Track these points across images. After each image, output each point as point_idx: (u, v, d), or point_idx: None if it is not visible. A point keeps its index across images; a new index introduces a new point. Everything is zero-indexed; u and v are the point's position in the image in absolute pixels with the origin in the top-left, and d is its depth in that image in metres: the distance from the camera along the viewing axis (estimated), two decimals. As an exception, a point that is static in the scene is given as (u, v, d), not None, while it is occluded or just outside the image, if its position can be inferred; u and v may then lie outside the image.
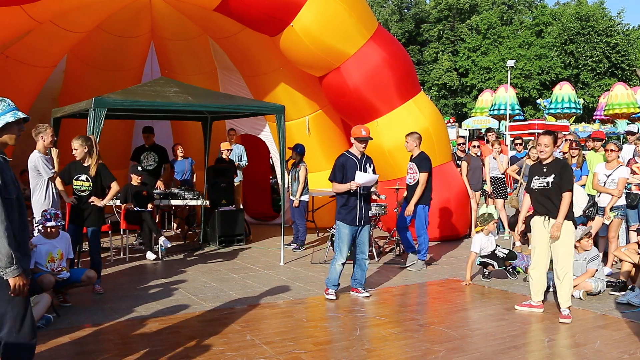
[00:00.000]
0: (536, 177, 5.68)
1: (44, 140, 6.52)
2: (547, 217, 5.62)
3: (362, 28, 9.32)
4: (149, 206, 8.50)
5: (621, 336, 4.98)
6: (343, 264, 6.15)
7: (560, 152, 9.81)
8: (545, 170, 5.63)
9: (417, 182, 7.58)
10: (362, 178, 6.02)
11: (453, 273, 7.55)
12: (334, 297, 6.18)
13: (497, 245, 7.22)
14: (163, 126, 11.63)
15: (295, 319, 5.52)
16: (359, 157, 6.22)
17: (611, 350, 4.63)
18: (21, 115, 3.31)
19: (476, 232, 7.13)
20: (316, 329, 5.20)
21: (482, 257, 7.09)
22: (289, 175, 9.35)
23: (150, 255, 8.28)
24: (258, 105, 8.89)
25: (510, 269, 7.16)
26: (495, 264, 7.08)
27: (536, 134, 20.27)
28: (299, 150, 9.20)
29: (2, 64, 8.92)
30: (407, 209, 7.64)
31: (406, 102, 9.71)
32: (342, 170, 6.12)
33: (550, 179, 5.55)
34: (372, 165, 6.31)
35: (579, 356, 4.52)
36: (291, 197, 9.24)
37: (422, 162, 7.58)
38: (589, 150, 9.07)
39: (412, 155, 7.78)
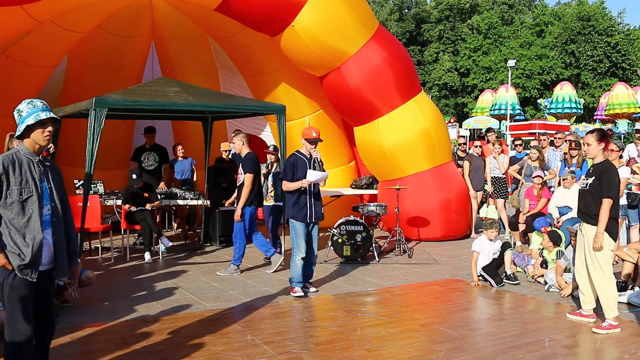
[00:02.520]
0: (584, 178, 5.30)
1: None
2: (582, 222, 5.28)
3: (363, 28, 9.32)
4: (148, 206, 8.47)
5: (621, 336, 4.98)
6: (303, 259, 6.31)
7: (562, 152, 9.81)
8: (591, 171, 5.24)
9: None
10: (313, 176, 6.25)
11: (454, 273, 7.55)
12: (301, 294, 6.28)
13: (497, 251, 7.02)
14: (164, 126, 11.63)
15: (295, 319, 5.52)
16: (308, 157, 6.44)
17: (611, 350, 4.63)
18: (43, 116, 3.35)
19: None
20: (317, 329, 5.20)
21: (482, 269, 6.96)
22: (268, 178, 8.34)
23: (147, 257, 8.27)
24: (259, 105, 8.88)
25: (512, 275, 6.94)
26: (492, 281, 6.87)
27: (537, 134, 20.27)
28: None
29: (2, 63, 8.92)
30: (235, 214, 7.31)
31: (407, 102, 9.70)
32: (293, 169, 6.34)
33: (590, 180, 5.15)
34: (320, 165, 6.52)
35: (580, 356, 4.52)
36: (275, 203, 8.21)
37: (246, 162, 7.34)
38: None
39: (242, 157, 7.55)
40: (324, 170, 6.52)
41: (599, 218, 5.05)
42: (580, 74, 44.80)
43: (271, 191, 8.18)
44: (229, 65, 11.22)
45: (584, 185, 5.22)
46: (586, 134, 5.33)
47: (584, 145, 5.32)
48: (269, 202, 8.17)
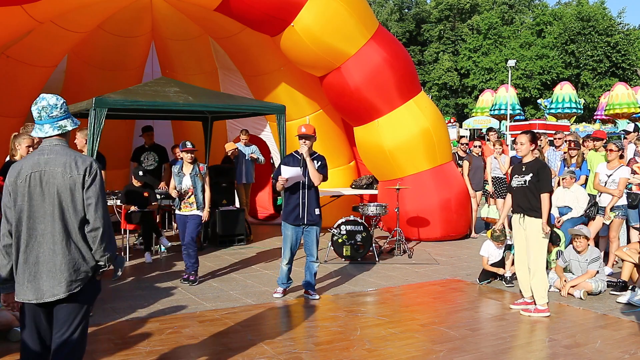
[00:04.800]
0: (516, 176, 5.78)
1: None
2: (522, 215, 5.69)
3: (363, 28, 9.31)
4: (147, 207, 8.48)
5: (622, 336, 4.98)
6: (287, 264, 6.24)
7: (562, 152, 9.81)
8: (524, 169, 5.72)
9: None
10: (287, 172, 5.97)
11: (454, 273, 7.55)
12: (280, 295, 6.27)
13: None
14: (164, 126, 11.63)
15: (295, 319, 5.53)
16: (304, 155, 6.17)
17: (612, 350, 4.63)
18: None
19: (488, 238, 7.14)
20: (317, 329, 5.20)
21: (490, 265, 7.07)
22: (178, 177, 6.92)
23: (147, 257, 8.27)
24: (259, 105, 8.89)
25: (507, 278, 6.91)
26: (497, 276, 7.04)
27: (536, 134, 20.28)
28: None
29: (3, 63, 8.92)
30: None
31: (407, 101, 9.69)
32: (279, 168, 6.21)
33: (527, 177, 5.64)
34: (320, 162, 6.15)
35: (580, 356, 4.51)
36: (194, 211, 6.86)
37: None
38: (588, 150, 9.04)
39: None
40: (324, 166, 6.16)
41: (542, 210, 5.56)
42: (580, 74, 44.79)
43: (189, 196, 6.85)
44: (229, 65, 11.22)
45: (522, 182, 5.66)
46: (520, 134, 5.78)
47: (518, 143, 5.70)
48: (185, 210, 6.86)
